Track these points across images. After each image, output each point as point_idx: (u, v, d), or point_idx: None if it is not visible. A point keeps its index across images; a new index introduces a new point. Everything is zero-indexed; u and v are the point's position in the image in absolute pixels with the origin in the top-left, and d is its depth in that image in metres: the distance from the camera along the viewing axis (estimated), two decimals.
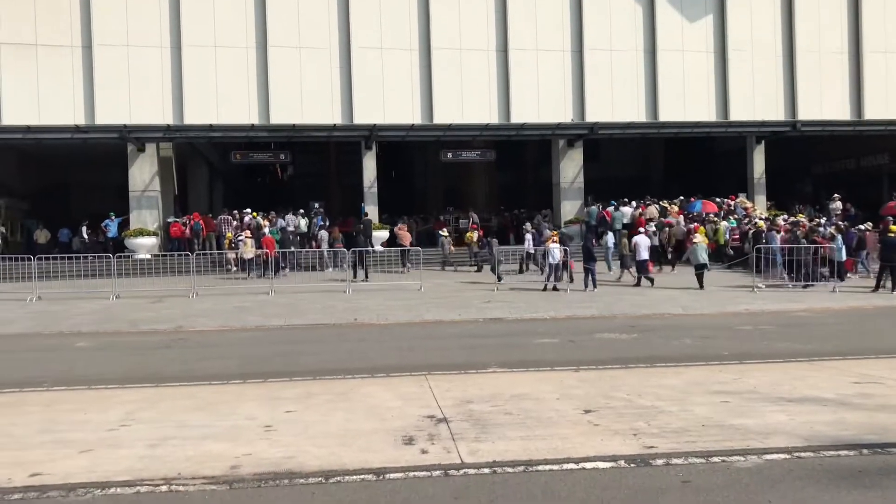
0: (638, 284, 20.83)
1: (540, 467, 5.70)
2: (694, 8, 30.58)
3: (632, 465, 5.73)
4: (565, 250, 20.85)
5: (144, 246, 26.34)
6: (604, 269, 23.06)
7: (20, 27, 26.42)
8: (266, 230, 25.13)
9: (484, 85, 29.34)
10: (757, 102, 30.77)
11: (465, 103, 29.06)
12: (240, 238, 24.31)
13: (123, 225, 27.66)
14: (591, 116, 29.55)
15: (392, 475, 5.59)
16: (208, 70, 27.55)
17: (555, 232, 23.05)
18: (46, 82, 26.68)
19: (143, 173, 27.56)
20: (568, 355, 11.14)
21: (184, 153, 31.40)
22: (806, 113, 30.81)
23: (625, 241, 22.47)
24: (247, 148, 31.87)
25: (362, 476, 5.59)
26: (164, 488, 5.46)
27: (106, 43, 26.90)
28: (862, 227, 23.83)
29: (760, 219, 25.77)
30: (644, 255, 21.01)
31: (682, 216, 26.88)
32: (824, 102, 31.15)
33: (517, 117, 29.14)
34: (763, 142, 31.01)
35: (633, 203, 29.31)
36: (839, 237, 21.55)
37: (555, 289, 20.14)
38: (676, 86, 30.41)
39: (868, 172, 34.47)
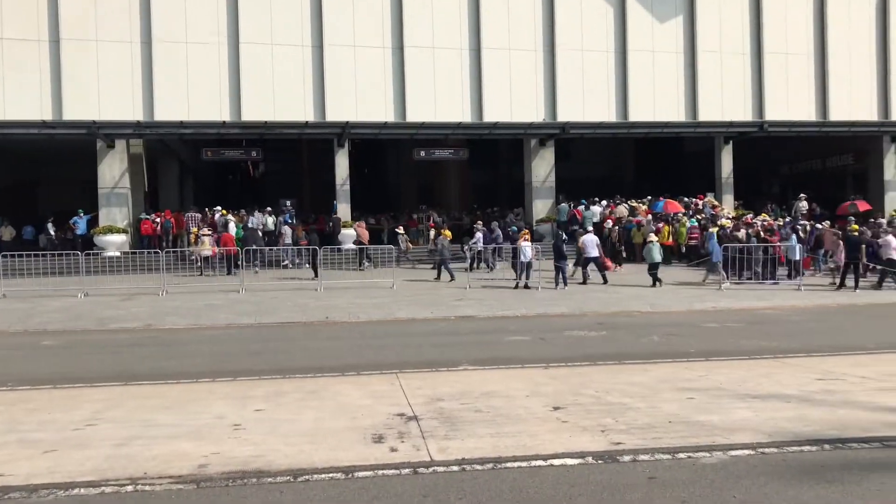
0: (584, 283, 21.01)
1: (509, 464, 5.74)
2: (664, 9, 30.89)
3: (599, 461, 5.79)
4: (537, 248, 20.95)
5: (114, 243, 26.03)
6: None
7: None
8: (231, 227, 25.03)
9: (457, 83, 29.39)
10: (725, 103, 31.17)
11: (438, 102, 29.09)
12: (199, 235, 24.19)
13: (92, 222, 27.30)
14: (563, 116, 29.73)
15: (361, 473, 5.60)
16: (179, 66, 27.28)
17: (525, 230, 23.14)
18: (12, 76, 26.25)
19: (113, 170, 27.22)
20: (538, 353, 11.21)
21: (154, 150, 31.05)
22: (773, 114, 31.27)
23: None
24: (218, 145, 31.60)
25: (331, 475, 5.59)
26: (129, 488, 5.41)
27: (74, 37, 26.53)
28: (819, 225, 24.30)
29: (727, 218, 26.13)
30: (592, 252, 21.12)
31: (650, 215, 27.15)
32: (791, 103, 31.64)
33: (490, 116, 29.23)
34: (731, 142, 31.42)
35: (604, 202, 29.56)
36: (794, 236, 21.99)
37: (526, 287, 20.24)
38: (646, 86, 30.71)
39: (833, 172, 35.08)
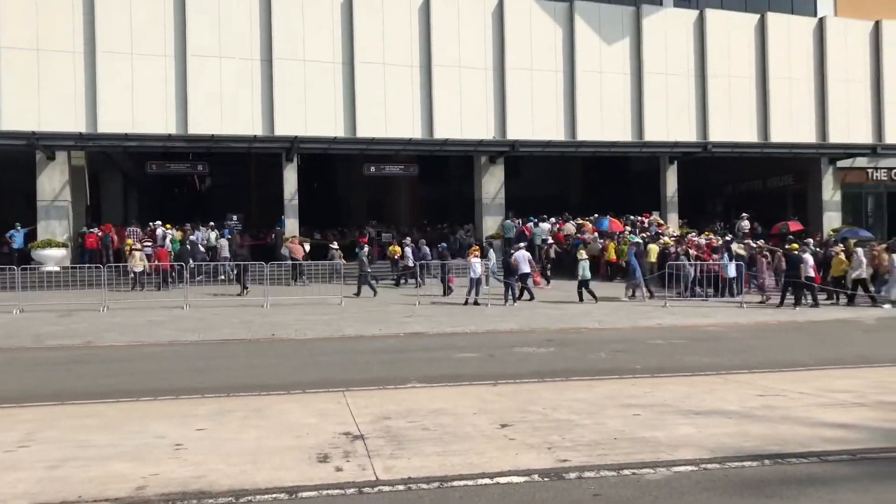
0: (518, 298, 21.06)
1: (455, 483, 5.70)
2: (611, 31, 31.49)
3: (545, 478, 5.78)
4: (486, 265, 21.04)
5: (53, 258, 25.28)
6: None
7: None
8: (167, 242, 24.70)
9: (407, 100, 29.44)
10: (670, 124, 31.84)
11: (389, 117, 29.09)
12: (131, 249, 23.76)
13: (30, 236, 26.48)
14: (513, 134, 30.00)
15: (305, 494, 5.49)
16: (124, 78, 26.77)
17: (475, 247, 23.24)
18: None
19: (53, 182, 26.51)
20: (487, 370, 11.21)
21: (97, 162, 30.35)
22: (716, 135, 32.03)
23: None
24: (164, 158, 31.04)
25: (274, 495, 5.47)
26: None
27: (14, 46, 25.85)
28: (753, 244, 24.98)
29: (671, 237, 26.65)
30: (524, 268, 21.29)
31: (596, 233, 27.53)
32: (734, 125, 32.48)
33: (440, 133, 29.33)
34: (676, 162, 32.07)
35: (552, 219, 29.87)
36: (726, 255, 22.58)
37: (476, 303, 20.29)
38: (594, 106, 31.20)
39: (774, 193, 36.08)
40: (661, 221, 30.32)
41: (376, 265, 26.66)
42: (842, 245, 23.73)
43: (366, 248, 25.07)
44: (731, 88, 32.65)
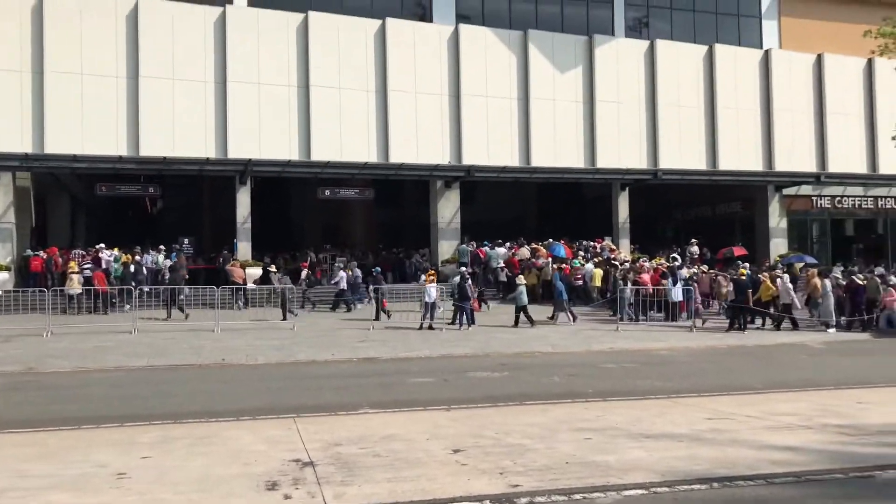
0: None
1: None
2: (564, 60, 31.99)
3: None
4: (441, 289, 21.03)
5: None
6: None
7: None
8: (110, 265, 24.28)
9: (363, 124, 29.43)
10: (622, 151, 32.35)
11: (344, 141, 29.03)
12: (68, 273, 23.25)
13: None
14: (468, 159, 30.17)
15: None
16: (73, 98, 26.26)
17: (431, 271, 23.23)
18: None
19: None
20: (441, 395, 11.17)
21: (44, 183, 29.63)
22: (667, 162, 32.63)
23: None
24: (114, 180, 30.41)
25: None
26: None
27: None
28: (696, 270, 25.52)
29: (623, 262, 27.05)
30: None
31: (550, 258, 27.77)
32: (683, 153, 33.14)
33: (396, 157, 29.35)
34: (627, 188, 32.56)
35: (507, 244, 30.04)
36: (670, 279, 23.01)
37: (430, 327, 20.24)
38: (548, 133, 31.57)
39: (722, 219, 36.87)
40: (614, 247, 30.71)
41: (319, 288, 26.48)
42: (780, 270, 24.39)
43: (304, 272, 25.23)
44: (681, 117, 33.37)
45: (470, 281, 22.20)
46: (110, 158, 26.03)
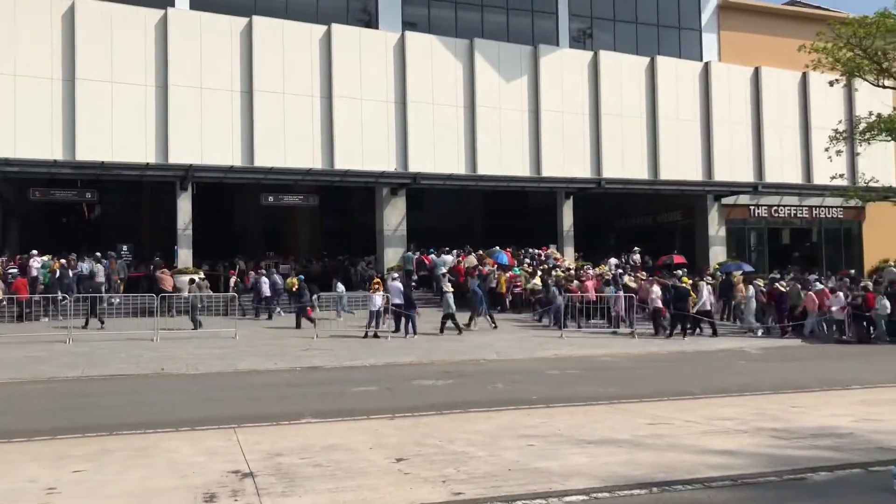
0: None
1: None
2: (510, 70, 32.26)
3: None
4: (386, 297, 20.93)
5: None
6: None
7: None
8: (38, 273, 23.55)
9: (308, 130, 29.18)
10: (567, 160, 32.74)
11: (288, 147, 28.72)
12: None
13: None
14: (414, 167, 30.16)
15: None
16: (5, 100, 25.43)
17: (377, 279, 23.11)
18: None
19: None
20: (385, 403, 11.11)
21: None
22: (610, 171, 33.13)
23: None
24: (49, 185, 29.49)
25: None
26: None
27: None
28: (634, 277, 26.04)
29: (567, 269, 27.37)
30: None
31: (496, 266, 27.93)
32: (626, 162, 33.71)
33: (341, 164, 29.16)
34: (572, 197, 32.94)
35: (455, 251, 30.09)
36: (612, 287, 23.40)
37: (375, 336, 20.11)
38: (494, 141, 31.77)
39: (664, 228, 37.58)
40: (559, 255, 31.03)
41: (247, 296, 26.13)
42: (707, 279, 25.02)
43: (233, 280, 24.99)
44: (624, 127, 33.94)
45: (402, 287, 22.17)
46: (44, 162, 25.25)
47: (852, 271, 31.25)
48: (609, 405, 10.70)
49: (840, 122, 29.85)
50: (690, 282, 23.12)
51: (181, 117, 27.38)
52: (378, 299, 20.44)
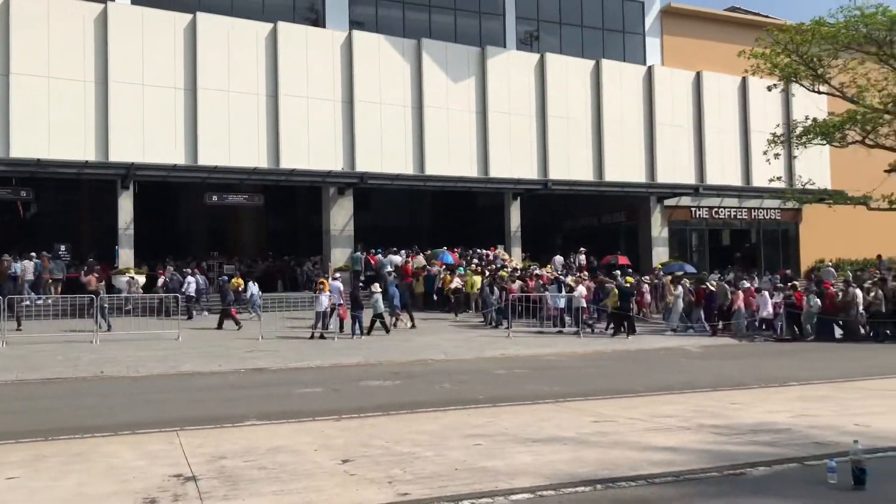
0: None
1: None
2: (458, 70, 32.34)
3: None
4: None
5: None
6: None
7: None
8: None
9: (253, 128, 28.78)
10: (514, 161, 32.97)
11: (233, 146, 28.28)
12: None
13: None
14: (362, 166, 30.00)
15: None
16: None
17: (323, 279, 22.91)
18: None
19: None
20: (331, 404, 11.01)
21: None
22: (556, 173, 33.47)
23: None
24: None
25: None
26: None
27: None
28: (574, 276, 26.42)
29: (513, 270, 27.57)
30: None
31: (443, 266, 27.99)
32: (572, 164, 34.09)
33: (287, 163, 28.85)
34: (519, 198, 33.21)
35: (403, 252, 30.04)
36: (552, 286, 23.69)
37: (322, 336, 19.95)
38: (442, 141, 31.81)
39: (608, 228, 38.15)
40: (507, 255, 31.24)
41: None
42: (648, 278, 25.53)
43: (161, 280, 24.60)
44: (570, 129, 34.33)
45: (341, 287, 22.12)
46: None
47: (788, 271, 32.18)
48: (555, 404, 10.80)
49: (778, 125, 30.66)
50: (633, 281, 23.55)
51: (122, 114, 26.74)
52: (324, 300, 20.28)
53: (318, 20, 31.19)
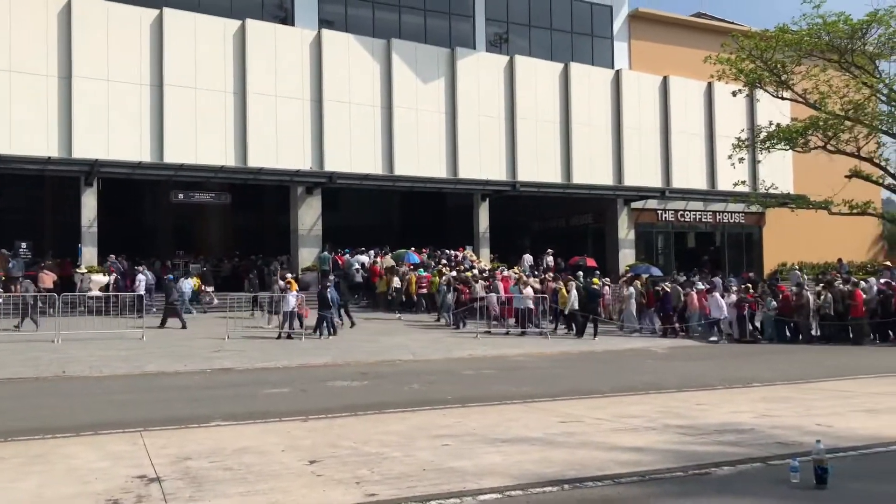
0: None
1: None
2: (427, 71, 32.34)
3: None
4: (300, 297, 20.63)
5: None
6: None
7: None
8: None
9: (220, 126, 28.51)
10: (483, 162, 33.06)
11: (200, 143, 27.99)
12: None
13: None
14: (330, 165, 29.86)
15: None
16: None
17: (289, 278, 22.74)
18: None
19: None
20: (299, 405, 10.93)
21: None
22: (525, 175, 33.63)
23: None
24: None
25: None
26: None
27: None
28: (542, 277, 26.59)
29: (482, 271, 27.63)
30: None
31: (411, 266, 27.95)
32: (540, 166, 34.27)
33: (255, 161, 28.63)
34: (487, 199, 33.30)
35: (371, 252, 29.96)
36: (514, 287, 23.84)
37: (289, 336, 19.81)
38: (411, 142, 31.78)
39: (576, 230, 38.47)
40: (475, 256, 31.30)
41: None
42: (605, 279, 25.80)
43: (112, 277, 24.41)
44: (539, 131, 34.50)
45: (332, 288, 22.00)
46: None
47: (751, 274, 32.67)
48: (523, 404, 10.83)
49: (742, 130, 31.12)
50: (600, 283, 23.74)
51: (86, 110, 26.34)
52: (292, 300, 20.14)
53: (286, 18, 31.01)
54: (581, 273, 25.67)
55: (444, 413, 10.09)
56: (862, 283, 22.36)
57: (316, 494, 6.12)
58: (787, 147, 28.80)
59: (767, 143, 28.29)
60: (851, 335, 20.79)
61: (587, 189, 34.30)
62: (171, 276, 23.94)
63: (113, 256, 26.22)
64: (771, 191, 29.98)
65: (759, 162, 34.65)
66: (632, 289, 23.61)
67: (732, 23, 40.24)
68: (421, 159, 31.91)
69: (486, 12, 34.74)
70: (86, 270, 24.15)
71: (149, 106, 27.45)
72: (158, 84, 27.56)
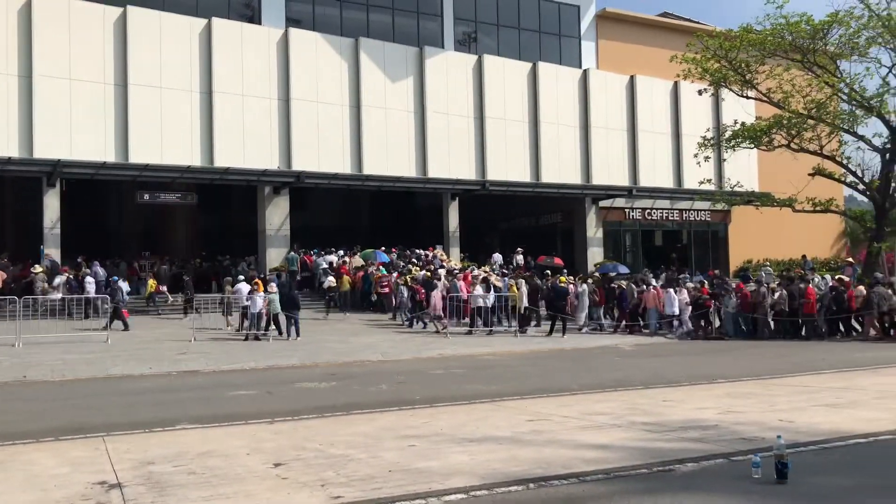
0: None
1: None
2: (396, 70, 32.26)
3: None
4: (268, 298, 20.44)
5: None
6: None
7: None
8: None
9: (186, 126, 28.17)
10: (452, 161, 33.06)
11: (165, 143, 27.64)
12: None
13: None
14: (298, 165, 29.67)
15: None
16: None
17: (258, 280, 22.56)
18: None
19: None
20: (265, 407, 10.84)
21: None
22: (494, 174, 33.69)
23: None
24: None
25: None
26: None
27: None
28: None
29: (452, 269, 27.62)
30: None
31: (381, 265, 27.89)
32: (509, 165, 34.36)
33: (221, 161, 28.33)
34: (457, 198, 33.31)
35: (340, 251, 29.83)
36: (482, 286, 23.85)
37: (256, 338, 19.67)
38: (380, 141, 31.68)
39: (545, 229, 38.63)
40: (445, 255, 31.30)
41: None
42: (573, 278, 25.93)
43: (64, 278, 23.92)
44: (507, 130, 34.59)
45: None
46: None
47: (717, 271, 33.03)
48: (492, 403, 10.85)
49: (708, 129, 31.50)
50: (569, 280, 23.91)
51: (48, 110, 25.87)
52: (259, 301, 19.99)
53: (253, 17, 30.74)
54: (549, 272, 25.78)
55: (413, 413, 10.07)
56: (816, 278, 22.82)
57: (280, 497, 6.08)
58: (752, 145, 29.21)
59: (732, 142, 28.67)
60: (804, 331, 21.28)
61: (556, 188, 34.48)
62: (116, 278, 23.55)
63: (45, 251, 25.56)
64: (736, 189, 30.35)
65: (724, 160, 35.06)
66: (584, 286, 23.84)
67: (698, 22, 40.70)
68: (390, 159, 31.82)
69: (455, 11, 34.74)
70: (40, 271, 23.69)
71: (113, 105, 27.05)
72: (123, 83, 27.17)
